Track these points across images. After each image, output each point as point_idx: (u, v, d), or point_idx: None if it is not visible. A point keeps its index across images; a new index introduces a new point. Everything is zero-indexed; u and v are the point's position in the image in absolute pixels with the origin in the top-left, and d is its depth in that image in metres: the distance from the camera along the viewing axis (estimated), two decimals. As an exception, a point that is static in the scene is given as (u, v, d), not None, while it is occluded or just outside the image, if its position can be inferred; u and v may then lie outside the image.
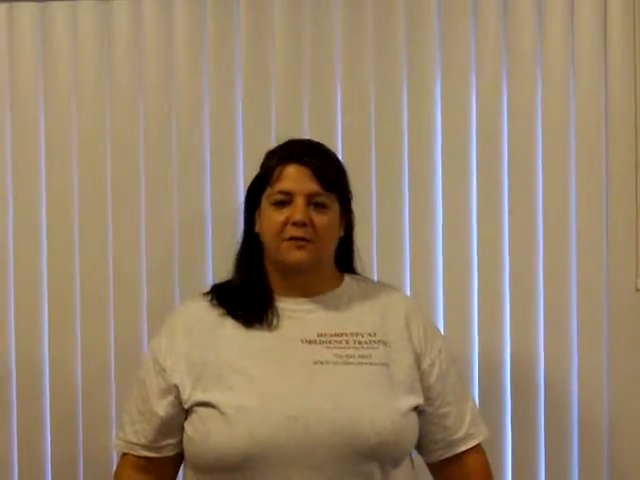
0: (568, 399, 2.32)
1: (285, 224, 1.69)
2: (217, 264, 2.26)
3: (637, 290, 2.31)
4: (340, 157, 2.23)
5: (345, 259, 1.84)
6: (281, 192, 1.70)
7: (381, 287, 1.88)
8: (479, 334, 2.32)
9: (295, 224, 1.68)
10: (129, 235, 2.33)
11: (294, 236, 1.68)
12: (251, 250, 1.78)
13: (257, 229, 1.77)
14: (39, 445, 2.36)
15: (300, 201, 1.69)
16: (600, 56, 2.29)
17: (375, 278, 2.21)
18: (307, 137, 1.90)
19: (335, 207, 1.74)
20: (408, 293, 2.30)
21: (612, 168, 2.30)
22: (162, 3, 2.32)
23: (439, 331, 1.88)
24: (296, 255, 1.69)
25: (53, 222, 2.34)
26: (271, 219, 1.70)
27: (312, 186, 1.70)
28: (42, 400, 2.35)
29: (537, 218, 2.32)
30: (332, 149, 1.82)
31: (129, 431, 1.75)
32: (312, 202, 1.70)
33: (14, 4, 2.32)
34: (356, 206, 2.22)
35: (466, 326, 2.32)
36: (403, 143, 2.32)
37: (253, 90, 2.33)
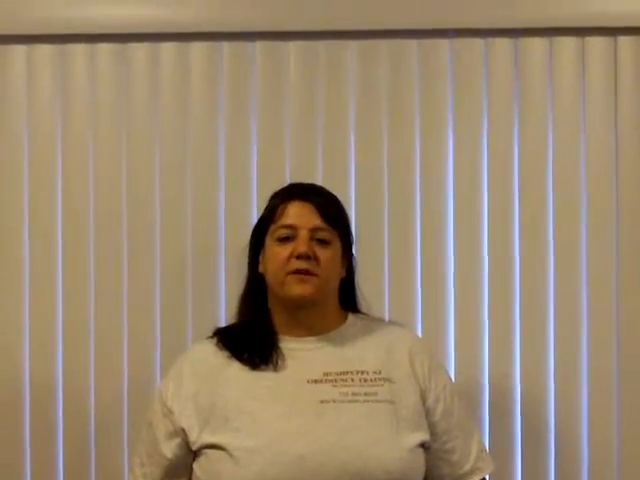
0: (578, 437, 2.32)
1: (289, 258, 1.71)
2: (230, 300, 2.26)
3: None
4: (353, 207, 2.31)
5: (349, 299, 1.86)
6: (285, 227, 1.74)
7: (385, 324, 1.90)
8: (489, 372, 2.33)
9: (299, 257, 1.70)
10: (143, 270, 2.35)
11: (298, 269, 1.70)
12: (255, 291, 1.81)
13: (261, 269, 1.79)
14: (52, 477, 2.36)
15: (304, 235, 1.72)
16: (610, 109, 2.33)
17: (386, 315, 2.24)
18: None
19: (337, 244, 1.77)
20: (419, 330, 2.31)
21: (622, 226, 2.33)
22: (179, 50, 2.35)
23: (444, 367, 1.90)
24: (300, 288, 1.71)
25: (68, 259, 2.36)
26: (275, 254, 1.73)
27: (315, 221, 1.74)
28: (55, 434, 2.35)
29: (548, 263, 2.33)
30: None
31: (138, 474, 1.77)
32: (315, 237, 1.73)
33: (33, 45, 2.35)
34: (368, 245, 2.26)
35: (477, 363, 2.33)
36: (415, 191, 2.34)
37: (268, 139, 2.35)
